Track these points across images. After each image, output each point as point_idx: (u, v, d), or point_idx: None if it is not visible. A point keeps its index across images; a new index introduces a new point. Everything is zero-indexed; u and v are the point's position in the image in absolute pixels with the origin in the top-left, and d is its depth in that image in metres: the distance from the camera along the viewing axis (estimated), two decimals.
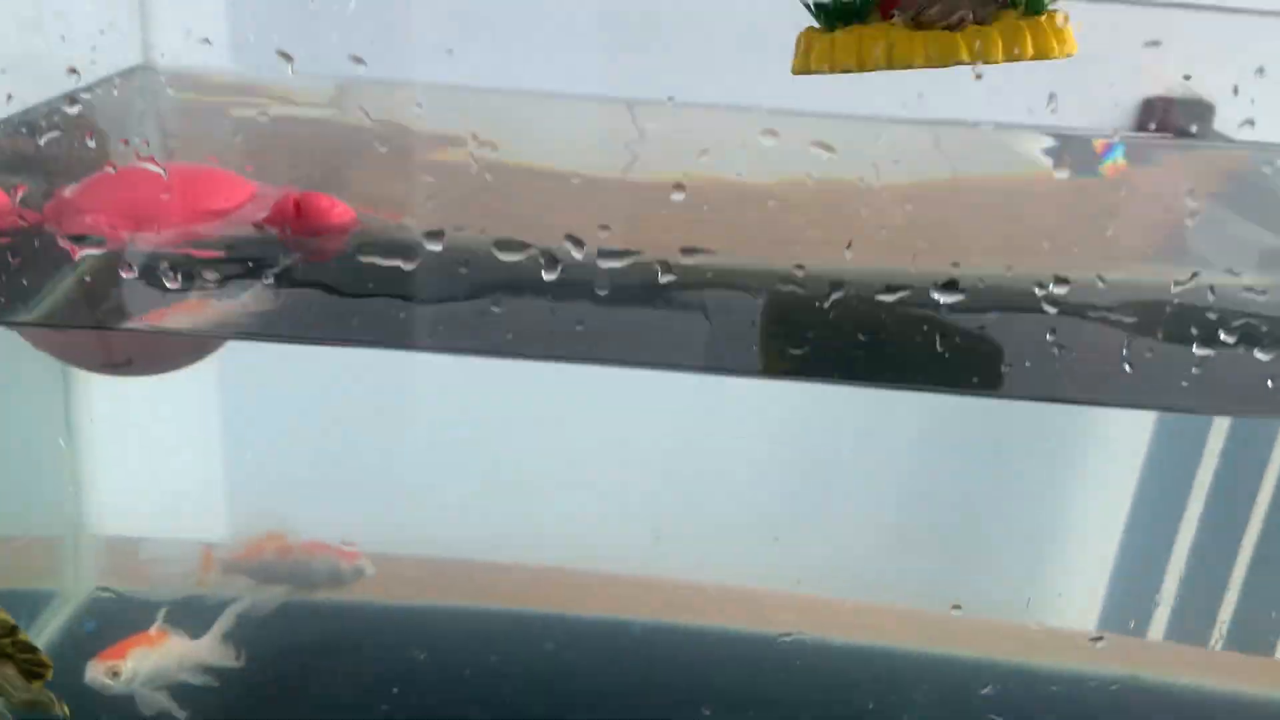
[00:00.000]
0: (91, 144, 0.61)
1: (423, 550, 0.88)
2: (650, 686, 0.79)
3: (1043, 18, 0.55)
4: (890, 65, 0.56)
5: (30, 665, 0.56)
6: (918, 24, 0.55)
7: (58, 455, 0.84)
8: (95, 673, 0.68)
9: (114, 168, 0.58)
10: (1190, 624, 0.90)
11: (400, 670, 0.80)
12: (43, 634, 0.78)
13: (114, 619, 0.76)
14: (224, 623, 0.74)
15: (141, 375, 0.62)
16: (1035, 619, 0.87)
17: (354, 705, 0.76)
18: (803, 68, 0.58)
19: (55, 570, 0.85)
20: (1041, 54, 0.55)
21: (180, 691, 0.71)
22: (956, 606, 0.80)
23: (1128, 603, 0.92)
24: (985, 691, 0.78)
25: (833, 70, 0.57)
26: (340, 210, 0.59)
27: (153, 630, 0.72)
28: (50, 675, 0.56)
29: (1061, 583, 0.92)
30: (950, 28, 0.56)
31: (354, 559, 0.80)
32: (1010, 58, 0.55)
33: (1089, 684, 0.82)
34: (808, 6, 0.57)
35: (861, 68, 0.56)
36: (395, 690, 0.77)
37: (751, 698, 0.77)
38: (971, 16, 0.55)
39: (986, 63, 0.55)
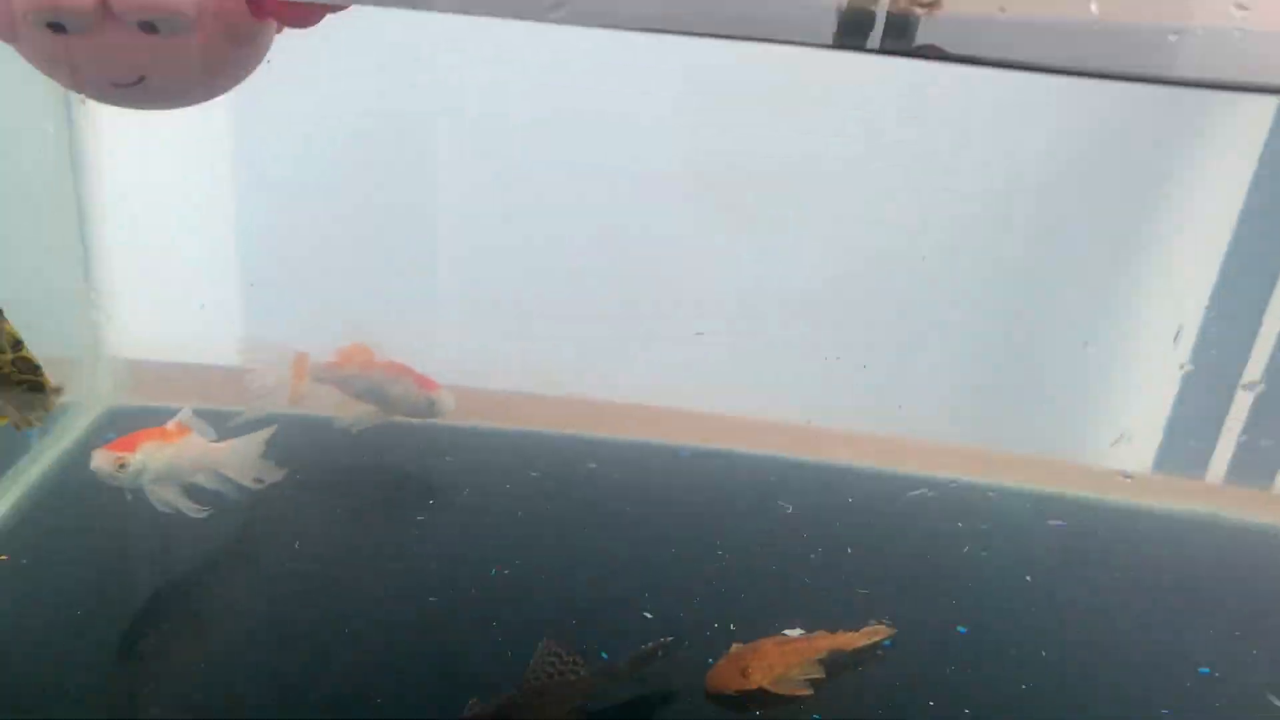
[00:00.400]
0: None
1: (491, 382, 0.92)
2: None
3: None
4: None
5: (33, 386, 0.58)
6: None
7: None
8: (100, 462, 0.66)
9: None
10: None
11: (435, 486, 0.84)
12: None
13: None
14: (254, 438, 0.74)
15: (162, 100, 0.53)
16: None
17: (389, 520, 0.80)
18: None
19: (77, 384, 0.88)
20: None
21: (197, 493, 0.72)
22: None
23: None
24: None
25: None
26: None
27: (171, 425, 0.70)
28: (55, 395, 0.58)
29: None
30: None
31: (434, 390, 0.83)
32: None
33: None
34: None
35: None
36: (431, 502, 0.82)
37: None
38: None
39: None
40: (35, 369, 0.58)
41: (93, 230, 0.86)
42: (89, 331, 0.88)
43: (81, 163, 0.84)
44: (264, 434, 0.74)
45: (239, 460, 0.73)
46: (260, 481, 0.74)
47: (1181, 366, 0.91)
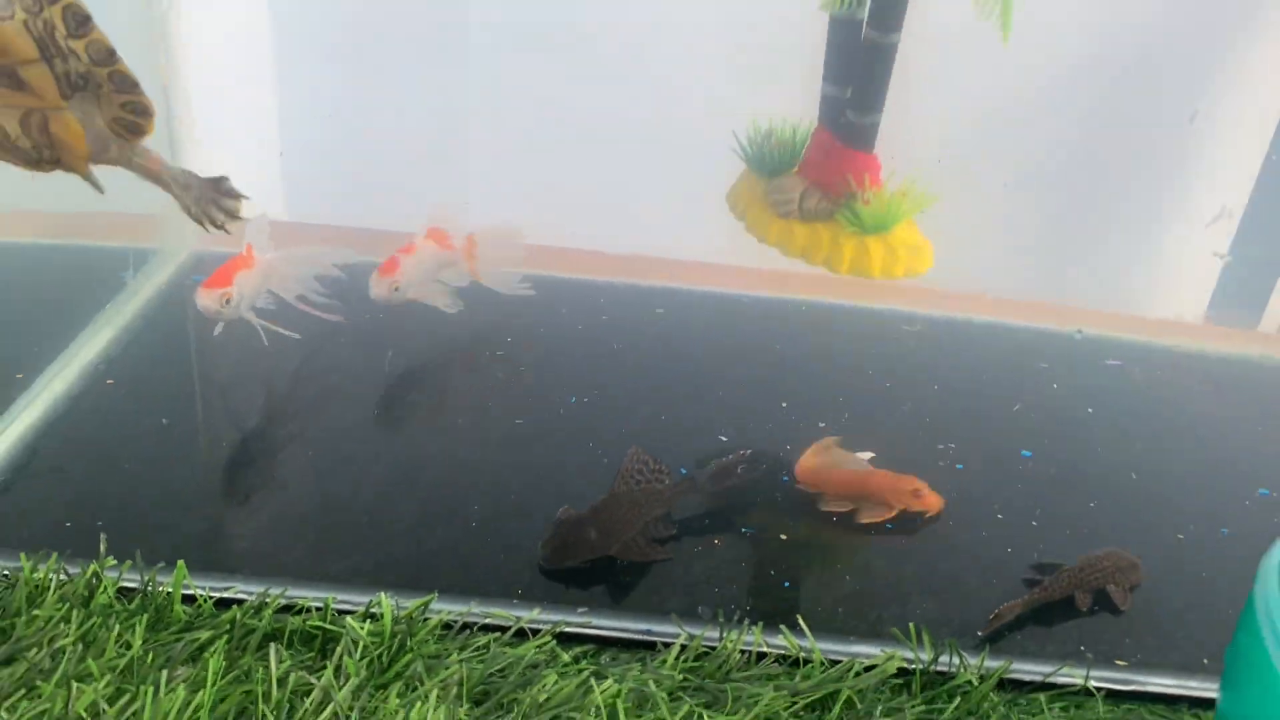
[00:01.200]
0: None
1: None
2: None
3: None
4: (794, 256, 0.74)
5: (134, 109, 0.55)
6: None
7: None
8: (206, 300, 0.69)
9: None
10: None
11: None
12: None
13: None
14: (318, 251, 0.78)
15: None
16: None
17: (472, 364, 0.83)
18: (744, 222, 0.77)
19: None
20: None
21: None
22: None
23: None
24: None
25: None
26: None
27: (245, 250, 0.73)
28: (152, 128, 0.57)
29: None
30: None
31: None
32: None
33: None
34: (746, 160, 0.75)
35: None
36: (509, 340, 0.85)
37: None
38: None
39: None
40: (134, 85, 0.55)
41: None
42: None
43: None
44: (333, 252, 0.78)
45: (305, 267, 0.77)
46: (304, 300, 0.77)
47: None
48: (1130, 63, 0.89)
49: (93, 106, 0.56)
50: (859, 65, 0.68)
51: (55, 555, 0.57)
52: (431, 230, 0.82)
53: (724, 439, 0.74)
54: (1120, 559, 0.62)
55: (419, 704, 0.51)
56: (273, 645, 0.53)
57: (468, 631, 0.56)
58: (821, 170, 0.71)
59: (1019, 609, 0.59)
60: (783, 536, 0.66)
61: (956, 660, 0.56)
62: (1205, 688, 0.56)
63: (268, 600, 0.55)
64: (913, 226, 0.71)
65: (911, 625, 0.57)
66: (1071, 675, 0.56)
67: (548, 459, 0.70)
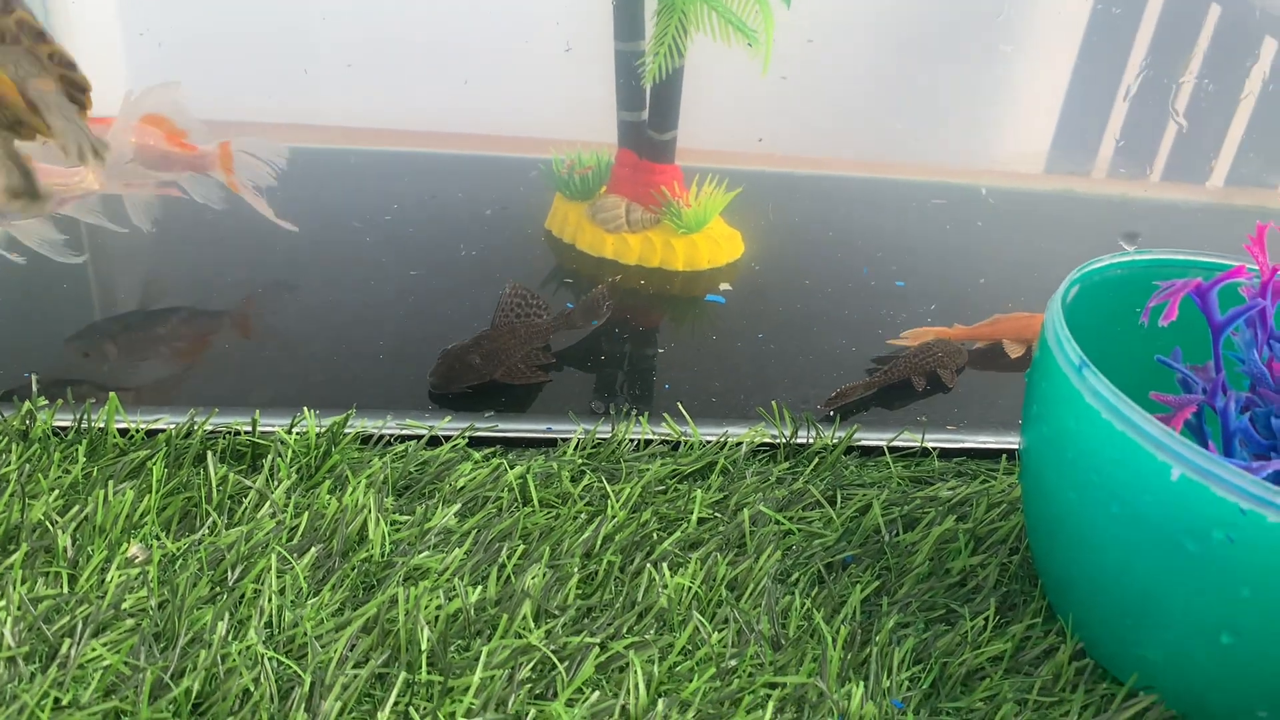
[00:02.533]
0: None
1: None
2: None
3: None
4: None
5: (71, 84, 0.53)
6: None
7: None
8: None
9: None
10: None
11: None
12: None
13: None
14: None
15: None
16: None
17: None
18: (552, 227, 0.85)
19: None
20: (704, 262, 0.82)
21: None
22: None
23: None
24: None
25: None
26: None
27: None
28: (90, 104, 0.55)
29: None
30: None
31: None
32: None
33: None
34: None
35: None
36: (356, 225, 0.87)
37: None
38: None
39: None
40: (71, 64, 0.53)
41: None
42: None
43: None
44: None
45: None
46: None
47: None
48: None
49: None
50: (653, 92, 0.78)
51: None
52: (151, 118, 0.72)
53: (615, 278, 0.81)
54: (949, 346, 0.72)
55: (349, 493, 0.57)
56: (209, 454, 0.58)
57: (386, 442, 0.63)
58: (634, 186, 0.81)
59: (860, 389, 0.68)
60: (660, 351, 0.74)
61: (814, 433, 0.65)
62: (1016, 440, 0.67)
63: (196, 424, 0.61)
64: (721, 221, 0.84)
65: (774, 403, 0.66)
66: (910, 440, 0.66)
67: (443, 303, 0.76)
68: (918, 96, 1.07)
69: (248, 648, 0.47)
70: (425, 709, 0.45)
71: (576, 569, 0.53)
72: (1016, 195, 1.06)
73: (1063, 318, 0.49)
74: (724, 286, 0.81)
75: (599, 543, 0.55)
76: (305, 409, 0.62)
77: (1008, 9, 0.97)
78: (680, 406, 0.66)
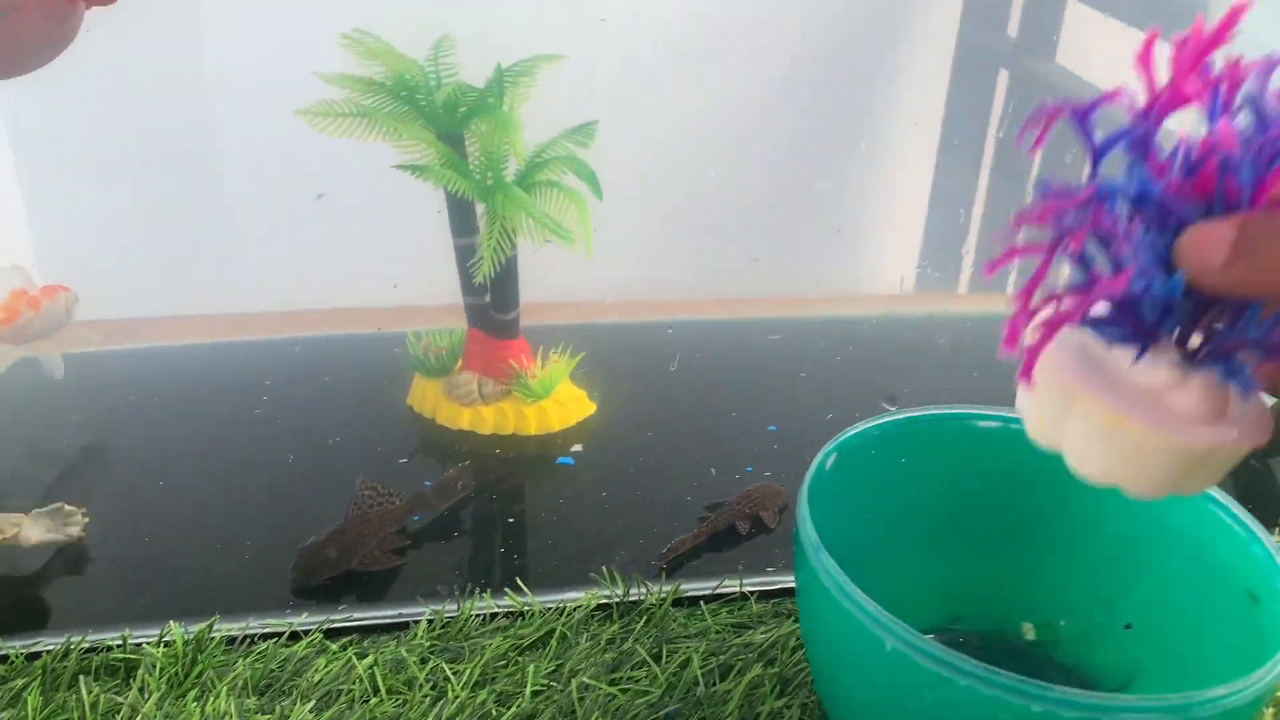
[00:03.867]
0: None
1: None
2: None
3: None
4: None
5: None
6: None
7: None
8: None
9: None
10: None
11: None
12: None
13: None
14: None
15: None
16: None
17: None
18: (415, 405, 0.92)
19: None
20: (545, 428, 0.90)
21: None
22: None
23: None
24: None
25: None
26: None
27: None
28: None
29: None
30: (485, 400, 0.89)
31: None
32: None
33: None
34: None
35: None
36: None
37: None
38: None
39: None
40: None
41: None
42: None
43: None
44: None
45: None
46: None
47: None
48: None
49: None
50: (492, 280, 0.86)
51: None
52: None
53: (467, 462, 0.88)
54: (768, 488, 0.80)
55: (212, 701, 0.63)
56: (81, 678, 0.64)
57: (249, 641, 0.68)
58: (485, 361, 0.89)
59: (690, 541, 0.75)
60: (510, 521, 0.80)
61: (645, 589, 0.72)
62: None
63: (71, 645, 0.66)
64: (569, 383, 0.93)
65: (604, 568, 0.73)
66: (732, 586, 0.73)
67: (313, 491, 0.83)
68: (767, 228, 1.16)
69: None
70: None
71: None
72: (881, 321, 1.14)
73: (807, 498, 0.57)
74: (576, 448, 0.88)
75: None
76: (171, 623, 0.68)
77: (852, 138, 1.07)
78: (518, 579, 0.73)
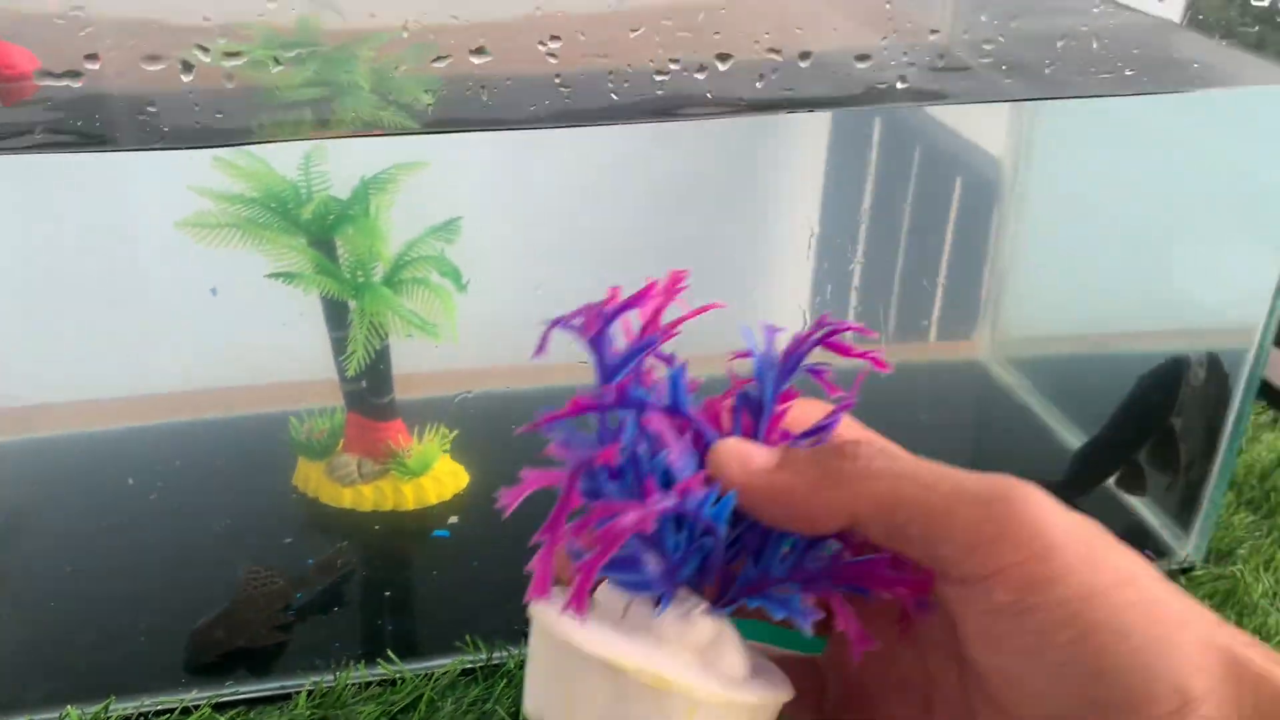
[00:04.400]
0: None
1: None
2: None
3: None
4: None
5: None
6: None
7: None
8: None
9: None
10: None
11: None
12: None
13: None
14: None
15: None
16: None
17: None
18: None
19: None
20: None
21: None
22: None
23: None
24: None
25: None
26: (24, 55, 0.66)
27: None
28: None
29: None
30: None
31: None
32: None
33: None
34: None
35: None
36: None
37: None
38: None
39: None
40: None
41: None
42: None
43: None
44: None
45: None
46: None
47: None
48: None
49: None
50: (366, 367, 0.93)
51: None
52: None
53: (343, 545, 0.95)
54: None
55: None
56: None
57: (146, 718, 0.75)
58: (363, 443, 0.96)
59: None
60: (387, 594, 0.88)
61: (507, 653, 0.80)
62: None
63: None
64: (445, 458, 0.99)
65: (467, 636, 0.81)
66: None
67: (204, 573, 0.89)
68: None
69: None
70: None
71: None
72: None
73: None
74: (452, 520, 0.95)
75: None
76: (69, 706, 0.74)
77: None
78: (389, 651, 0.80)
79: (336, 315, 0.92)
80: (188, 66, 0.64)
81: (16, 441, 1.01)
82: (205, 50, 0.64)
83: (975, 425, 1.14)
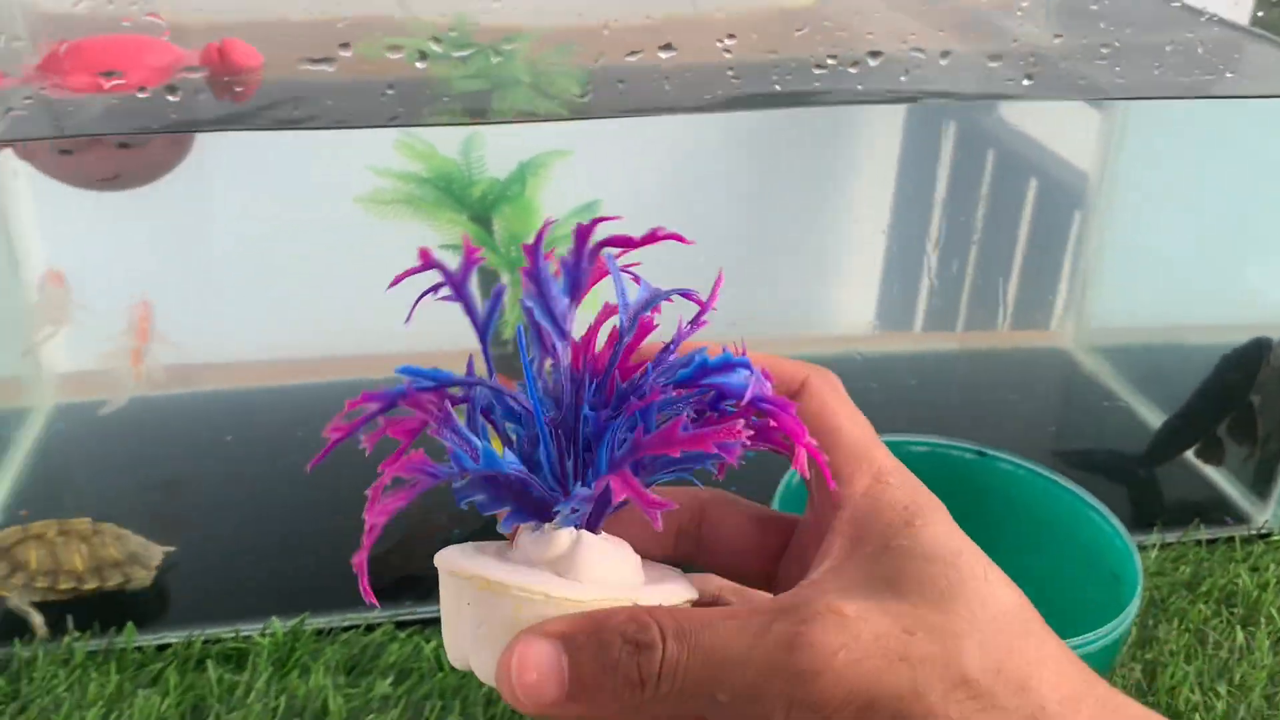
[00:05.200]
0: None
1: None
2: None
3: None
4: None
5: None
6: None
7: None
8: None
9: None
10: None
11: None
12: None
13: None
14: None
15: (129, 186, 0.83)
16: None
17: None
18: None
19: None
20: None
21: None
22: None
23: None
24: None
25: None
26: (250, 51, 0.78)
27: None
28: None
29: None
30: None
31: None
32: None
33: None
34: None
35: None
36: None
37: None
38: None
39: None
40: None
41: None
42: None
43: None
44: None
45: None
46: None
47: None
48: None
49: None
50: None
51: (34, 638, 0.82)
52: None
53: None
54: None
55: (311, 679, 0.79)
56: (208, 660, 0.80)
57: (335, 632, 0.85)
58: None
59: None
60: None
61: None
62: None
63: (194, 638, 0.83)
64: None
65: None
66: None
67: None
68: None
69: None
70: None
71: (481, 714, 0.77)
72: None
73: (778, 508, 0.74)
74: None
75: (491, 691, 0.78)
76: (273, 618, 0.84)
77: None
78: None
79: (487, 286, 1.03)
80: (422, 56, 0.74)
81: (206, 392, 1.12)
82: (436, 43, 0.75)
83: (1060, 406, 1.23)
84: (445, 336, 1.14)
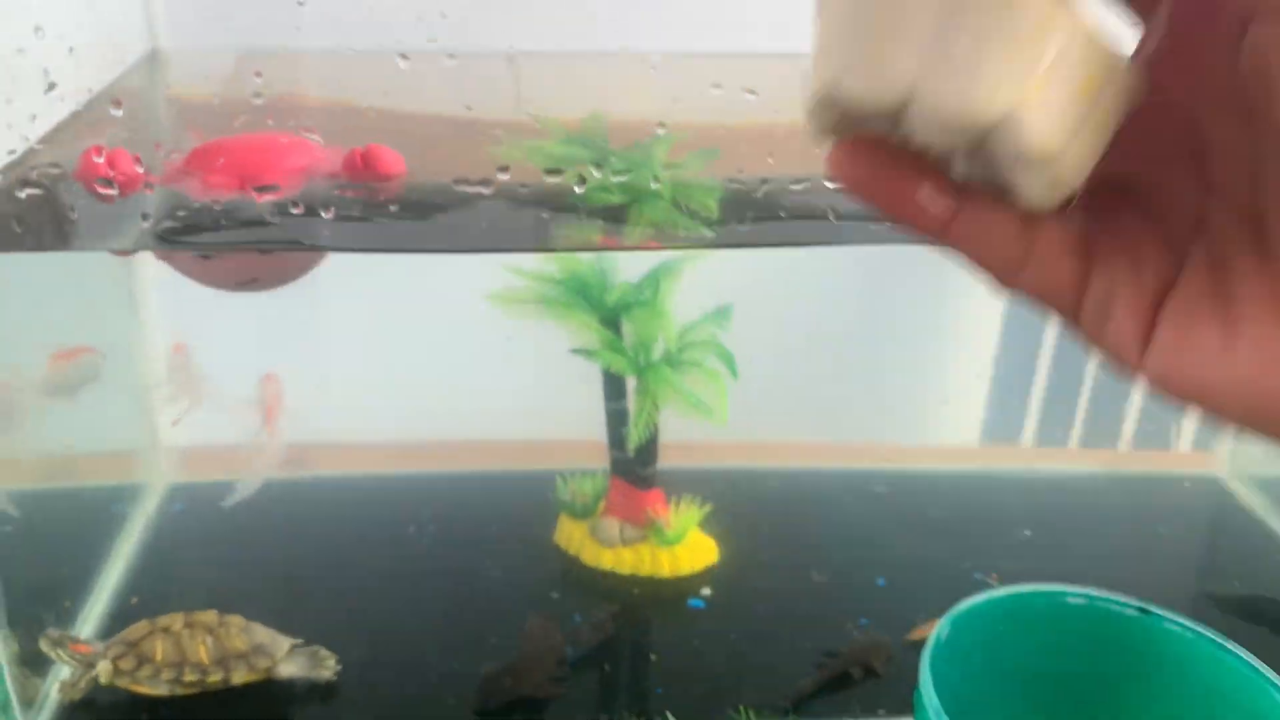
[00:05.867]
0: None
1: None
2: None
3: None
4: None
5: None
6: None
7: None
8: None
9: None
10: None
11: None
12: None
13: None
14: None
15: (265, 289, 0.84)
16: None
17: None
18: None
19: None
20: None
21: None
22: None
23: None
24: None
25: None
26: (395, 158, 0.76)
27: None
28: None
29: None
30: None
31: None
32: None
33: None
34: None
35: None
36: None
37: None
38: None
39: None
40: None
41: None
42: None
43: None
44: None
45: None
46: None
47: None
48: None
49: None
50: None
51: None
52: None
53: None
54: (876, 638, 0.92)
55: None
56: None
57: None
58: (626, 508, 1.03)
59: (812, 685, 0.88)
60: (652, 657, 0.93)
61: None
62: None
63: None
64: (698, 531, 1.05)
65: (742, 708, 0.85)
66: None
67: (476, 620, 0.96)
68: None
69: None
70: None
71: None
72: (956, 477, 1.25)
73: (929, 666, 0.69)
74: (705, 591, 1.00)
75: None
76: None
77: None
78: (667, 713, 0.85)
79: (615, 388, 0.99)
80: (581, 180, 0.72)
81: (317, 478, 1.10)
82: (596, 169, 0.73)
83: (1209, 536, 1.15)
84: (572, 427, 1.13)
